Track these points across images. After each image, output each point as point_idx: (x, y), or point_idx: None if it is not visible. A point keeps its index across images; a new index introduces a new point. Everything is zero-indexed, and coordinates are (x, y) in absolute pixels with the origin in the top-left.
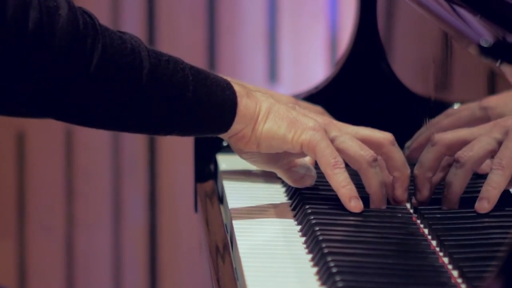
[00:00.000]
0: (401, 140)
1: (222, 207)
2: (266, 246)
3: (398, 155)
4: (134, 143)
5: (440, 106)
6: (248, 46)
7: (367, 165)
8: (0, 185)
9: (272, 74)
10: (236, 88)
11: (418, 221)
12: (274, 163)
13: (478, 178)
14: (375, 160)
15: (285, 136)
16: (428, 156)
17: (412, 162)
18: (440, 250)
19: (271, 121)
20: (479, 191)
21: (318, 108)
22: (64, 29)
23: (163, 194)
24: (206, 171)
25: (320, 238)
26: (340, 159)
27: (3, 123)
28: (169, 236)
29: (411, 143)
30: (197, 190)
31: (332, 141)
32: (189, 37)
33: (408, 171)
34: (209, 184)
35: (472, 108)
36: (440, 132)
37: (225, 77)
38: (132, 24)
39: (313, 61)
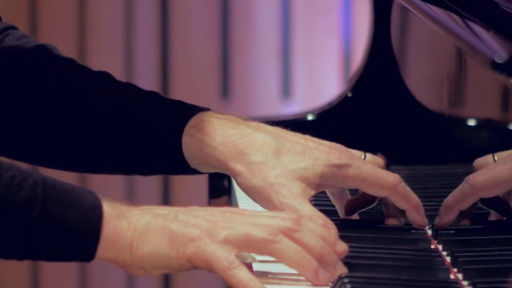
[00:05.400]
0: (415, 156)
1: None
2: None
3: (294, 247)
4: None
5: (454, 122)
6: (262, 63)
7: (273, 244)
8: None
9: (286, 90)
10: (106, 209)
11: (432, 237)
12: None
13: None
14: (276, 235)
15: (168, 255)
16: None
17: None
18: (454, 266)
19: (149, 242)
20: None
21: (333, 144)
22: None
23: None
24: (220, 186)
25: None
26: (233, 258)
27: None
28: None
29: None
30: (211, 206)
31: (225, 242)
32: (202, 54)
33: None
34: (223, 200)
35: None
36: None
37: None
38: (146, 42)
39: (326, 78)
